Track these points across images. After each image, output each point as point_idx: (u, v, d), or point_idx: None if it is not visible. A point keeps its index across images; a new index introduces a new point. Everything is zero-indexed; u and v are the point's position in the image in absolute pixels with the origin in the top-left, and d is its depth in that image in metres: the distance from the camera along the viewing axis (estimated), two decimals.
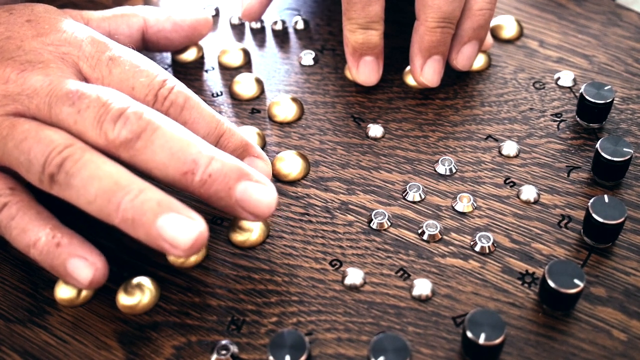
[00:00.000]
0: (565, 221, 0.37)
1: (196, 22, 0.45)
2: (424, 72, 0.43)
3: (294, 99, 0.44)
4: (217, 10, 0.51)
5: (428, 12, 0.41)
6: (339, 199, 0.39)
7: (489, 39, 0.46)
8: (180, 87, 0.35)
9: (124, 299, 0.34)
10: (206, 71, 0.47)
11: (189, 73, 0.46)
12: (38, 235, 0.32)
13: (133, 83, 0.34)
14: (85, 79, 0.35)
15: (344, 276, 0.35)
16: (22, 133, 0.32)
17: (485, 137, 0.42)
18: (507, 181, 0.39)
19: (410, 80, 0.45)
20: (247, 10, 0.47)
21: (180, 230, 0.30)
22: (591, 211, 0.35)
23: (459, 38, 0.43)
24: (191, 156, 0.32)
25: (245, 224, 0.37)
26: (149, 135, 0.31)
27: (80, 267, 0.32)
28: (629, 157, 0.37)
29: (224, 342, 0.33)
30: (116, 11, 0.42)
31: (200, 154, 0.32)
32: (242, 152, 0.36)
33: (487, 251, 0.36)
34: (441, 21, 0.41)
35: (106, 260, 0.33)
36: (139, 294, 0.35)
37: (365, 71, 0.43)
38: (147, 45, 0.44)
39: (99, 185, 0.30)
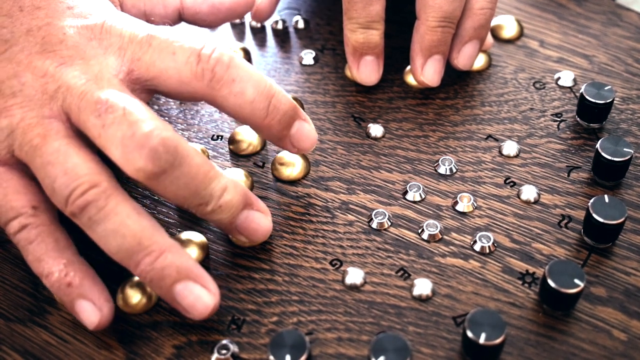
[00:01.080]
0: (565, 221, 0.37)
1: (235, 4, 0.43)
2: (424, 71, 0.43)
3: (295, 99, 0.44)
4: None
5: (429, 11, 0.41)
6: (339, 199, 0.39)
7: (489, 39, 0.46)
8: (222, 47, 0.34)
9: (125, 298, 0.34)
10: None
11: None
12: (51, 270, 0.32)
13: (173, 49, 0.33)
14: (128, 66, 0.34)
15: (344, 276, 0.35)
16: (50, 154, 0.31)
17: (485, 137, 0.42)
18: (508, 181, 0.39)
19: (410, 79, 0.45)
20: (258, 10, 0.47)
21: (195, 301, 0.32)
22: (591, 211, 0.35)
23: (460, 37, 0.43)
24: (210, 191, 0.32)
25: None
26: (175, 171, 0.31)
27: (88, 310, 0.32)
28: (629, 157, 0.37)
29: (224, 341, 0.33)
30: None
31: (217, 187, 0.32)
32: (292, 115, 0.36)
33: (488, 251, 0.36)
34: (442, 20, 0.41)
35: (113, 305, 0.33)
36: (140, 293, 0.35)
37: (365, 71, 0.43)
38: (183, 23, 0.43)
39: (122, 242, 0.31)
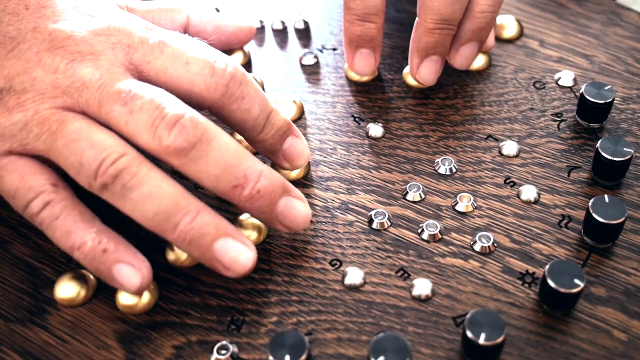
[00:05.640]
0: (565, 221, 0.37)
1: (238, 30, 0.44)
2: (420, 71, 0.43)
3: (294, 99, 0.44)
4: (217, 10, 0.51)
5: (427, 13, 0.41)
6: (339, 199, 0.39)
7: (491, 41, 0.45)
8: (234, 62, 0.35)
9: (124, 299, 0.34)
10: None
11: None
12: (84, 239, 0.32)
13: (186, 59, 0.34)
14: (137, 66, 0.34)
15: (344, 276, 0.35)
16: (73, 132, 0.31)
17: (485, 136, 0.42)
18: (508, 181, 0.39)
19: (410, 80, 0.45)
20: None
21: (236, 255, 0.32)
22: (591, 211, 0.35)
23: (458, 38, 0.42)
24: (243, 171, 0.32)
25: (245, 223, 0.37)
26: (204, 146, 0.31)
27: (128, 273, 0.32)
28: (629, 157, 0.37)
29: (223, 341, 0.33)
30: (161, 4, 0.42)
31: (251, 169, 0.32)
32: (286, 131, 0.37)
33: (488, 251, 0.36)
34: (440, 23, 0.40)
35: (150, 264, 0.33)
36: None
37: (360, 62, 0.43)
38: None
39: (159, 204, 0.31)
